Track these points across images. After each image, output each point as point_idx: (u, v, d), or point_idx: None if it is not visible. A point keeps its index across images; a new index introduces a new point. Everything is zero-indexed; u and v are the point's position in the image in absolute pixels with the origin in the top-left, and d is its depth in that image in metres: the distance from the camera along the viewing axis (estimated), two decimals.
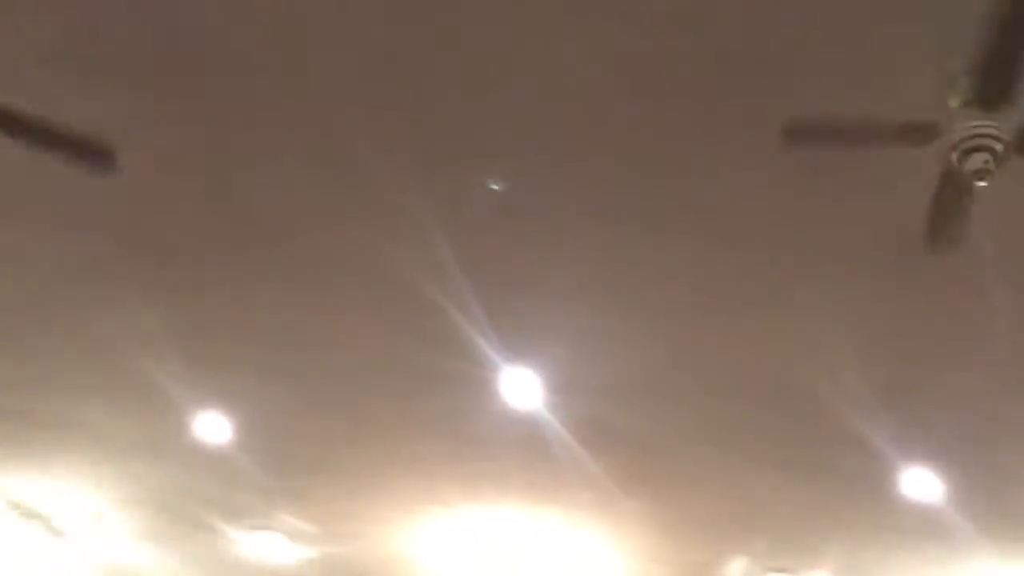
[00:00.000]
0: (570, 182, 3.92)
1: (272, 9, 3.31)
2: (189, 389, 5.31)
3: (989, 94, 3.18)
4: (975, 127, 3.26)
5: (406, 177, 3.91)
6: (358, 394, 5.31)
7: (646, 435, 5.42)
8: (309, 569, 7.28)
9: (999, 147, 3.28)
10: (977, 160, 3.29)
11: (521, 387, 5.10)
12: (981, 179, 3.32)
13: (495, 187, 3.93)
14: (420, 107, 3.64)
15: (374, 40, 3.39)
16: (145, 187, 4.02)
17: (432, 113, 3.66)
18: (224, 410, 5.52)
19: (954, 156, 3.31)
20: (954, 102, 3.34)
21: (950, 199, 3.50)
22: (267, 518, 6.63)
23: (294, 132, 3.78)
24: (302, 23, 3.34)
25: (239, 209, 4.16)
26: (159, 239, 4.34)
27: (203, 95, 3.65)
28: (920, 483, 5.60)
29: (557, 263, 4.33)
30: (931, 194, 3.49)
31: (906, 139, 3.33)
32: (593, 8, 3.24)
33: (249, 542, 6.92)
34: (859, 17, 3.24)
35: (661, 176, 3.88)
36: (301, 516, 6.62)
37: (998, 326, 4.16)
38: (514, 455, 5.69)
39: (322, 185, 4.00)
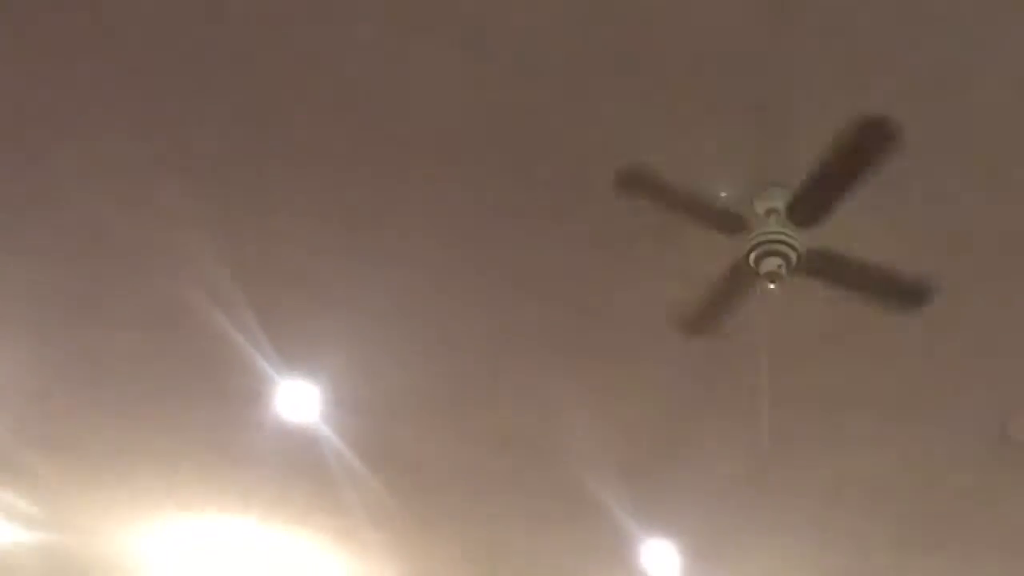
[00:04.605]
0: (375, 195, 3.82)
1: None
2: None
3: (801, 213, 3.39)
4: (777, 232, 3.46)
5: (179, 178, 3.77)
6: (109, 376, 4.98)
7: (410, 467, 5.37)
8: (24, 556, 6.76)
9: (794, 257, 3.49)
10: (771, 263, 3.49)
11: (292, 398, 4.93)
12: (772, 281, 3.53)
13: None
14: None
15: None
16: None
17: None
18: None
19: (752, 255, 3.50)
20: (759, 207, 3.54)
21: (729, 290, 3.68)
22: None
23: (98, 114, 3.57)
24: None
25: (18, 159, 3.83)
26: None
27: None
28: (659, 555, 5.81)
29: (354, 279, 4.22)
30: (715, 280, 3.67)
31: (718, 224, 3.49)
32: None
33: None
34: (689, 108, 3.35)
35: (471, 230, 3.89)
36: (25, 495, 6.14)
37: (752, 415, 4.37)
38: (271, 468, 5.50)
39: (110, 163, 3.78)
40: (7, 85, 3.49)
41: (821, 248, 3.52)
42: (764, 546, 5.72)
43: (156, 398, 5.10)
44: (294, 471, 5.49)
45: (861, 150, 3.14)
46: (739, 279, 3.63)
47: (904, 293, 3.65)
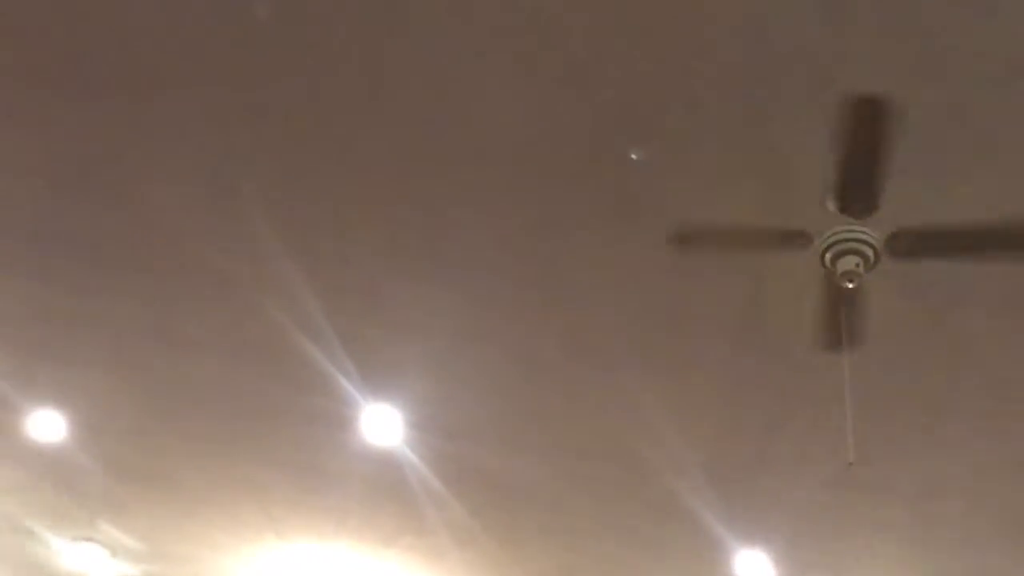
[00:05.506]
0: (451, 223, 3.86)
1: None
2: (25, 382, 5.02)
3: (852, 205, 3.29)
4: (846, 232, 3.37)
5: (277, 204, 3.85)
6: (201, 408, 5.11)
7: (492, 486, 5.39)
8: None
9: (869, 251, 3.40)
10: (848, 263, 3.40)
11: (376, 423, 4.99)
12: (850, 281, 3.43)
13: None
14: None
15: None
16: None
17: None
18: (60, 407, 5.23)
19: (827, 258, 3.41)
20: (831, 207, 3.45)
21: (832, 300, 3.59)
22: (90, 528, 6.31)
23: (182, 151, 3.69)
24: None
25: (108, 197, 3.96)
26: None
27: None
28: (753, 566, 5.69)
29: (428, 302, 4.25)
30: (817, 296, 3.60)
31: (784, 245, 3.44)
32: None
33: (69, 553, 6.56)
34: (747, 118, 3.32)
35: (539, 245, 3.90)
36: (127, 530, 6.31)
37: (841, 420, 4.26)
38: (359, 492, 5.56)
39: (195, 198, 3.88)
40: (96, 123, 3.60)
41: (903, 228, 3.35)
42: (861, 550, 5.56)
43: (248, 427, 5.21)
44: (381, 494, 5.54)
45: (867, 129, 2.98)
46: (832, 286, 3.53)
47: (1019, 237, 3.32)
